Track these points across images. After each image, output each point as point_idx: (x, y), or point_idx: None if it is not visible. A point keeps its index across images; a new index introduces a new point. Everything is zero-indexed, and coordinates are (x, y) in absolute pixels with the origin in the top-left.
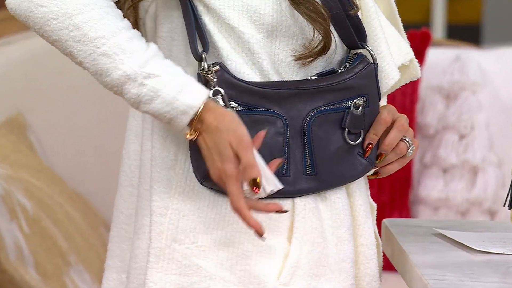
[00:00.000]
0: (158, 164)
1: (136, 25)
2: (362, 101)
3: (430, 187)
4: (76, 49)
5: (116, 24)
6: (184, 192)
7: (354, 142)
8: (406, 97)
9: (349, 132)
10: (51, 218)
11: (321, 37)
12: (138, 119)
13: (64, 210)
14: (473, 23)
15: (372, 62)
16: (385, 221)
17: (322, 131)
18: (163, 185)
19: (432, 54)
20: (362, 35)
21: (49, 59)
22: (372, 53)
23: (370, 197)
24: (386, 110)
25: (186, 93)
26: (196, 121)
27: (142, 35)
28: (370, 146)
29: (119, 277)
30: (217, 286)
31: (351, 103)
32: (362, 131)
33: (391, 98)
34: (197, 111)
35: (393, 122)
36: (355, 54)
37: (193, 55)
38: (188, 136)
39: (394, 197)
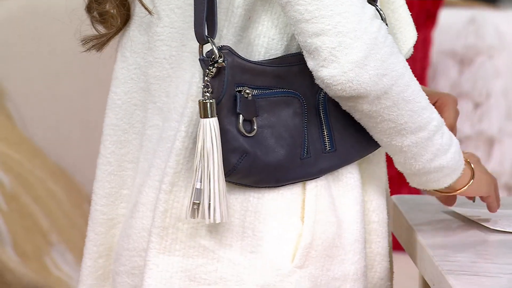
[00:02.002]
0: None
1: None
2: None
3: None
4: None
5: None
6: (191, 168)
7: None
8: (417, 62)
9: None
10: (30, 194)
11: None
12: (116, 90)
13: (45, 185)
14: None
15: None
16: (393, 197)
17: (337, 104)
18: (174, 159)
19: (445, 15)
20: None
21: (29, 21)
22: (381, 12)
23: (385, 169)
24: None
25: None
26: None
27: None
28: None
29: (94, 263)
30: (226, 270)
31: None
32: None
33: None
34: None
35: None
36: None
37: (197, 38)
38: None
39: None
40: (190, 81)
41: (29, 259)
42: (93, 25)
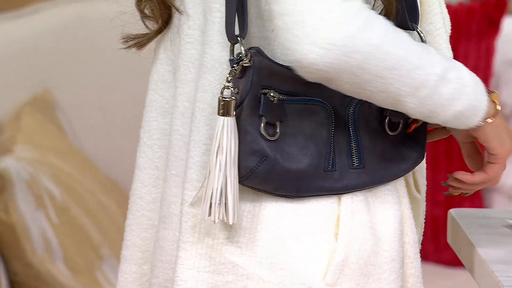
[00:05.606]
0: (191, 149)
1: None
2: None
3: (505, 173)
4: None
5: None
6: None
7: (393, 132)
8: (479, 72)
9: (389, 121)
10: (81, 207)
11: (382, 6)
12: (164, 94)
13: (96, 198)
14: None
15: None
16: (452, 211)
17: (366, 120)
18: (195, 172)
19: (509, 23)
20: (415, 16)
21: (79, 30)
22: (422, 35)
23: (414, 188)
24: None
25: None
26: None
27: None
28: (415, 124)
29: (139, 270)
30: (255, 287)
31: None
32: (402, 121)
33: None
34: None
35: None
36: None
37: (228, 37)
38: (489, 120)
39: None
40: (209, 87)
41: (80, 273)
42: (142, 20)
